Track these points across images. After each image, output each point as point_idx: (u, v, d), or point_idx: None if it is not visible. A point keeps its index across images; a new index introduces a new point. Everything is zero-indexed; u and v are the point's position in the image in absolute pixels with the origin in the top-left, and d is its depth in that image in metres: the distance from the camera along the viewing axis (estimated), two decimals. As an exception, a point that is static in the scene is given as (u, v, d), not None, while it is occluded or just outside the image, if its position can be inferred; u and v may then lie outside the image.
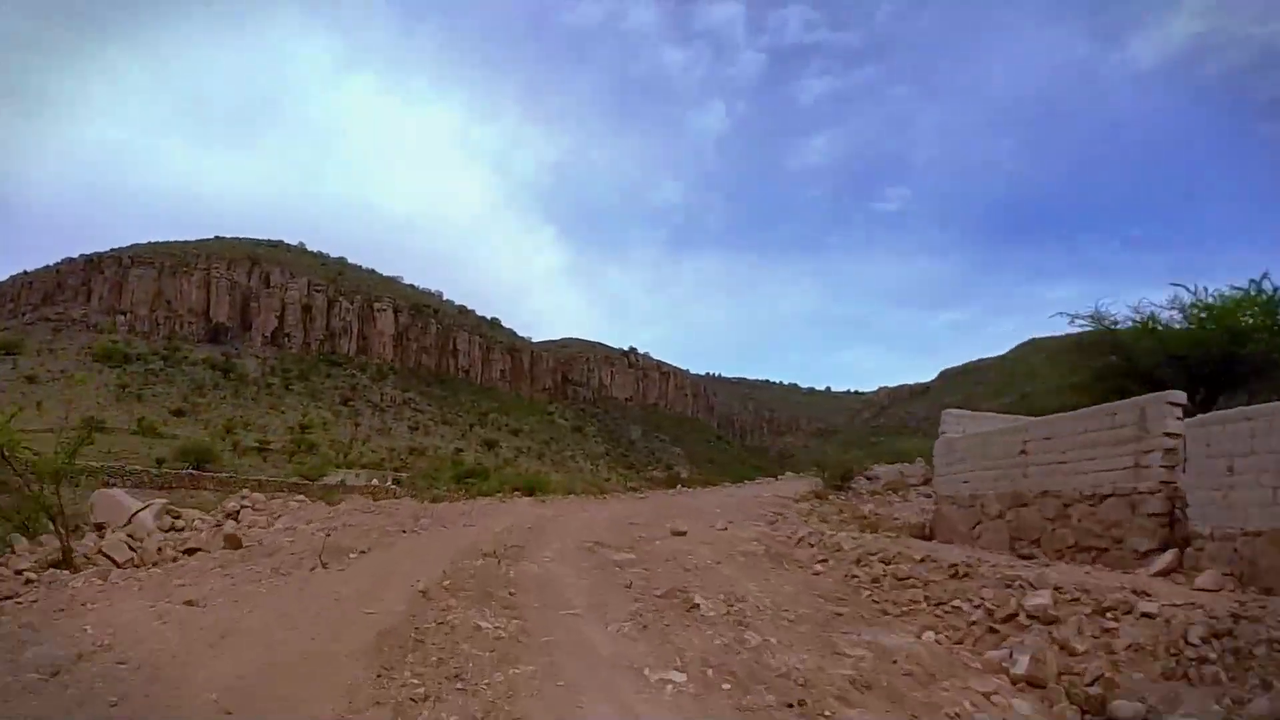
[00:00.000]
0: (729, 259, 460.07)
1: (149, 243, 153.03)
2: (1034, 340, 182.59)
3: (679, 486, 30.46)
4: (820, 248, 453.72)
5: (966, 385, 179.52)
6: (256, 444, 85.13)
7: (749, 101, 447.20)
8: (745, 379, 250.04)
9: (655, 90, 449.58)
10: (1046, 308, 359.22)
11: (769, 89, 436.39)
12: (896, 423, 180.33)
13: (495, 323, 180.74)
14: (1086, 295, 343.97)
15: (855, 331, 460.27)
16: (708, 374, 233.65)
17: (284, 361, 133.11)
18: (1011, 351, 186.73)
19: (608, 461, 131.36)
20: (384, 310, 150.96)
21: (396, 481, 53.41)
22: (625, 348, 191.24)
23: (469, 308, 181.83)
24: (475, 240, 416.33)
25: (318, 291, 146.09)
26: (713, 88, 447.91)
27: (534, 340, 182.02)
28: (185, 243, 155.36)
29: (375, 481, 53.98)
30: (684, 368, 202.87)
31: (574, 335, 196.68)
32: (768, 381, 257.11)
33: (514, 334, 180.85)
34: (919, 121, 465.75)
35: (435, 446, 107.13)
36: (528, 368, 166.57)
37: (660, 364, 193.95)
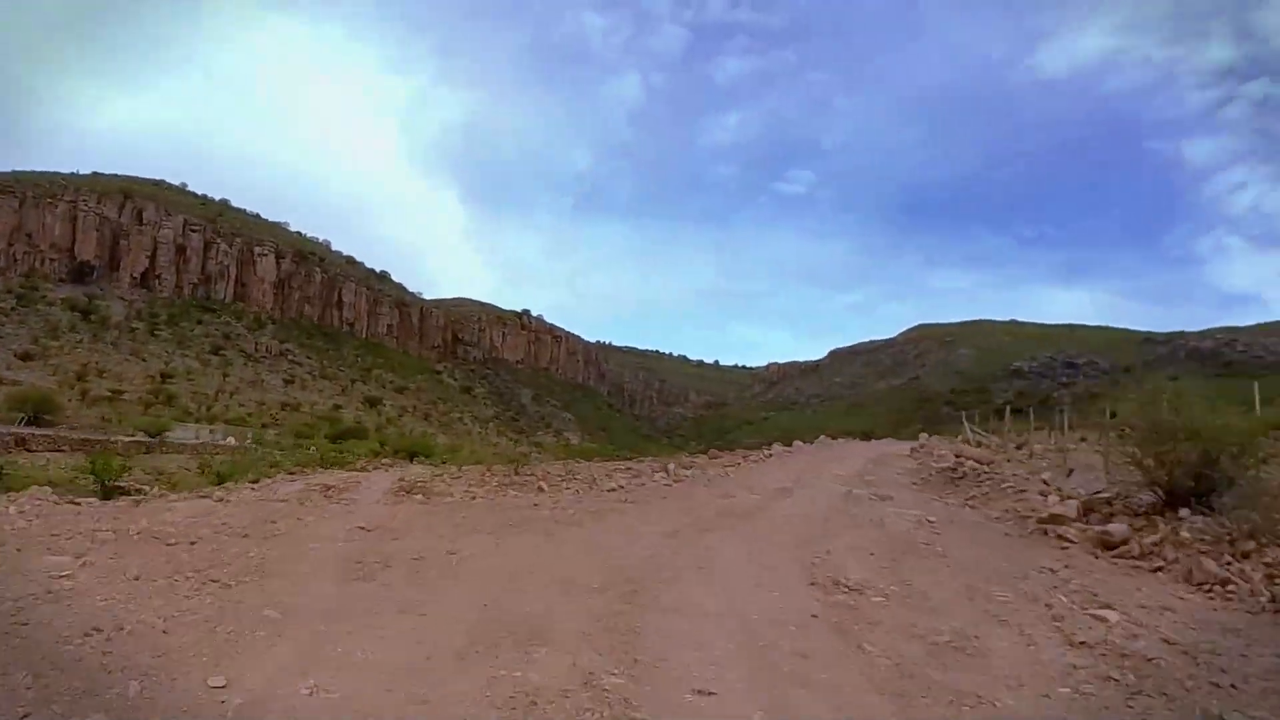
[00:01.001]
0: (632, 230, 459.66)
1: (11, 171, 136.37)
2: (922, 326, 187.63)
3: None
4: (724, 224, 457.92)
5: (856, 366, 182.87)
6: (109, 393, 76.16)
7: (666, 74, 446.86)
8: (636, 348, 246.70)
9: (573, 56, 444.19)
10: (938, 295, 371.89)
11: (687, 64, 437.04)
12: (785, 399, 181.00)
13: (384, 276, 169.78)
14: (977, 285, 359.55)
15: (750, 308, 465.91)
16: (599, 342, 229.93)
17: (153, 305, 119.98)
18: (901, 335, 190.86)
19: (497, 425, 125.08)
20: (265, 255, 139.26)
21: (256, 441, 45.66)
22: (519, 310, 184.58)
23: (357, 259, 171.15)
24: (373, 194, 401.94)
25: (194, 231, 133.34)
26: (631, 58, 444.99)
27: (425, 297, 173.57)
28: (55, 174, 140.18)
29: (217, 437, 46.58)
30: (577, 334, 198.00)
31: (467, 296, 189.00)
32: (658, 352, 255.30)
33: (404, 289, 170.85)
34: (832, 107, 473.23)
35: (312, 402, 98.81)
36: (417, 324, 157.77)
37: (553, 328, 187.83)
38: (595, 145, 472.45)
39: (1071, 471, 14.43)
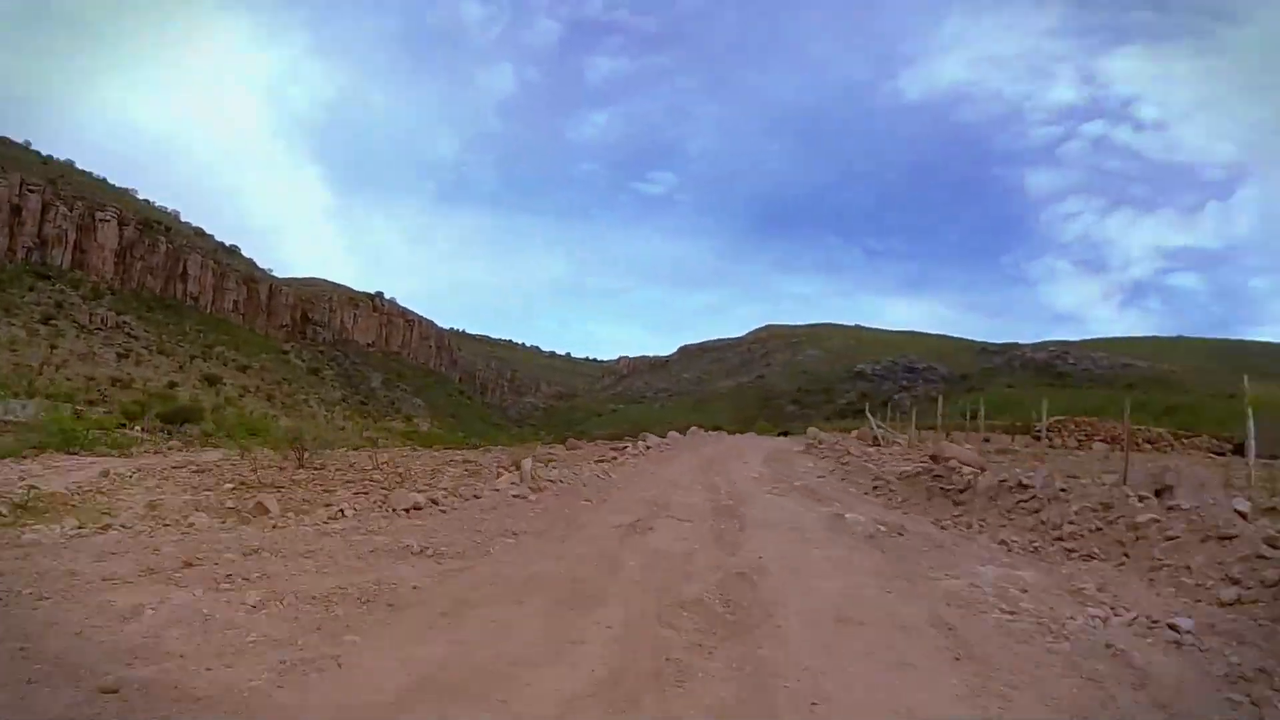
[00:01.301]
0: (493, 220, 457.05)
1: None
2: (770, 326, 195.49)
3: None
4: (585, 220, 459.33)
5: (704, 362, 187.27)
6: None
7: (538, 68, 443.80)
8: (489, 337, 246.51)
9: (448, 42, 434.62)
10: (788, 300, 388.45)
11: (561, 59, 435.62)
12: (635, 392, 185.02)
13: (234, 250, 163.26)
14: (825, 293, 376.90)
15: (605, 303, 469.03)
16: (454, 329, 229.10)
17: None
18: (749, 335, 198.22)
19: (344, 408, 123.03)
20: (107, 221, 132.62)
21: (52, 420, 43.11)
22: (372, 292, 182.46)
23: (207, 231, 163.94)
24: (229, 165, 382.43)
25: (32, 192, 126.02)
26: (506, 49, 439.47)
27: (276, 275, 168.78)
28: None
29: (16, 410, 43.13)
30: (431, 319, 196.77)
31: (321, 276, 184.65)
32: (511, 342, 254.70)
33: (254, 264, 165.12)
34: (698, 113, 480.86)
35: (146, 378, 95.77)
36: (265, 301, 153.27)
37: (406, 312, 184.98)
38: (463, 134, 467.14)
39: (1166, 488, 9.11)
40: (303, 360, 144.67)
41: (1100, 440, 31.38)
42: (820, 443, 26.55)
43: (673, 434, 28.20)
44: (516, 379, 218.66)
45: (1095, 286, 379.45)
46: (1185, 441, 31.81)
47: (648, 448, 21.22)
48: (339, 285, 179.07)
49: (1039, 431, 32.96)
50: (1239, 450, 22.13)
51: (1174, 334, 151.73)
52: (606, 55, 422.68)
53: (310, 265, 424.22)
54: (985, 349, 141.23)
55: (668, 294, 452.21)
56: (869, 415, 32.07)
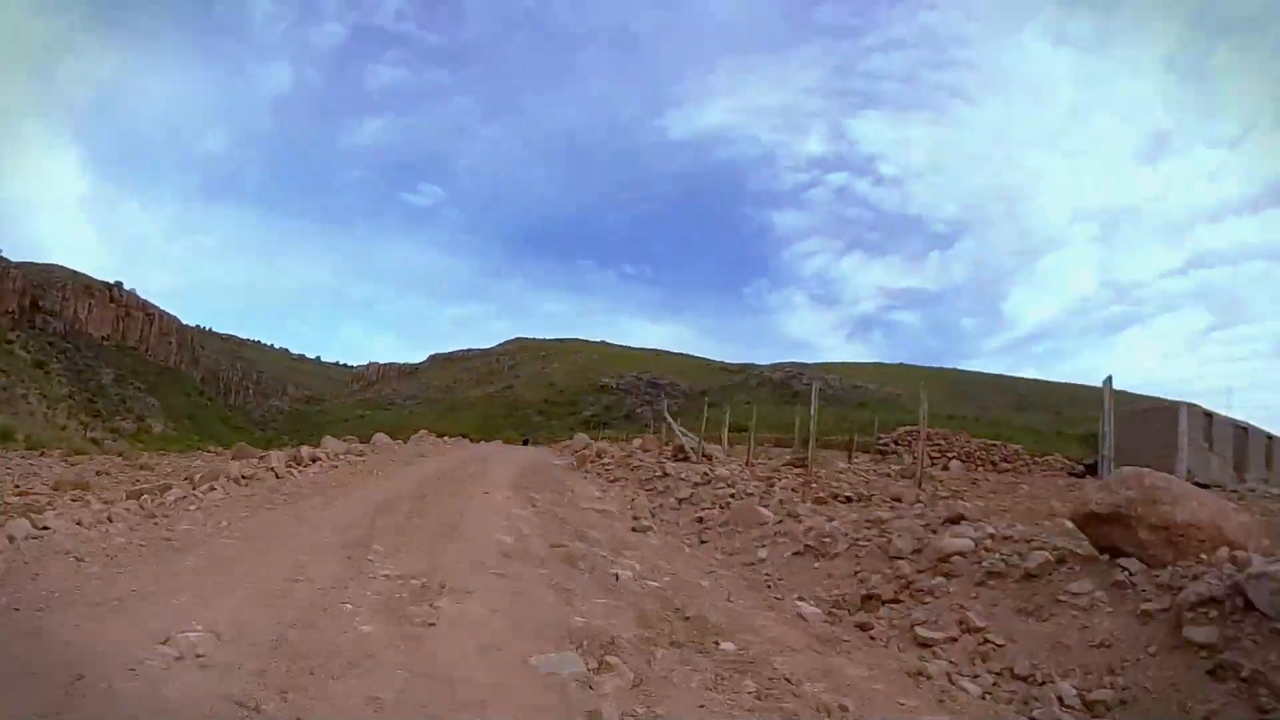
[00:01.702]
0: (257, 220, 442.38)
1: None
2: (519, 339, 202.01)
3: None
4: (349, 226, 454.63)
5: (454, 371, 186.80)
6: None
7: (319, 70, 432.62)
8: (236, 336, 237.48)
9: (233, 32, 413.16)
10: (542, 317, 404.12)
11: (342, 64, 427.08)
12: (384, 399, 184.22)
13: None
14: (578, 312, 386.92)
15: (363, 311, 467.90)
16: (199, 326, 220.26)
17: None
18: (499, 346, 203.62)
19: (70, 406, 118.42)
20: None
21: None
22: (110, 281, 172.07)
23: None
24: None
25: None
26: (288, 47, 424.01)
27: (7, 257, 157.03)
28: None
29: None
30: (174, 314, 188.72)
31: (61, 262, 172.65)
32: (259, 342, 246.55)
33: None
34: (472, 131, 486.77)
35: None
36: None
37: (146, 304, 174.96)
38: (234, 129, 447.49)
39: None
40: (28, 352, 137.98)
41: (954, 458, 30.02)
42: (599, 456, 23.55)
43: (381, 437, 24.74)
44: (263, 381, 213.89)
45: (827, 318, 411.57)
46: (1038, 461, 31.88)
47: (339, 456, 16.45)
48: (76, 272, 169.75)
49: (884, 446, 33.48)
50: (1091, 471, 23.71)
51: (896, 361, 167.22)
52: (388, 65, 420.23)
53: (54, 251, 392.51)
54: (724, 368, 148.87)
55: (424, 304, 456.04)
56: (668, 417, 27.40)
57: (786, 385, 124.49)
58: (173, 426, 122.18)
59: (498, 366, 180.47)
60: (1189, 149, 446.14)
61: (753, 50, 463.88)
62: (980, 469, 28.34)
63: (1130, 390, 34.60)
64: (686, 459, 20.78)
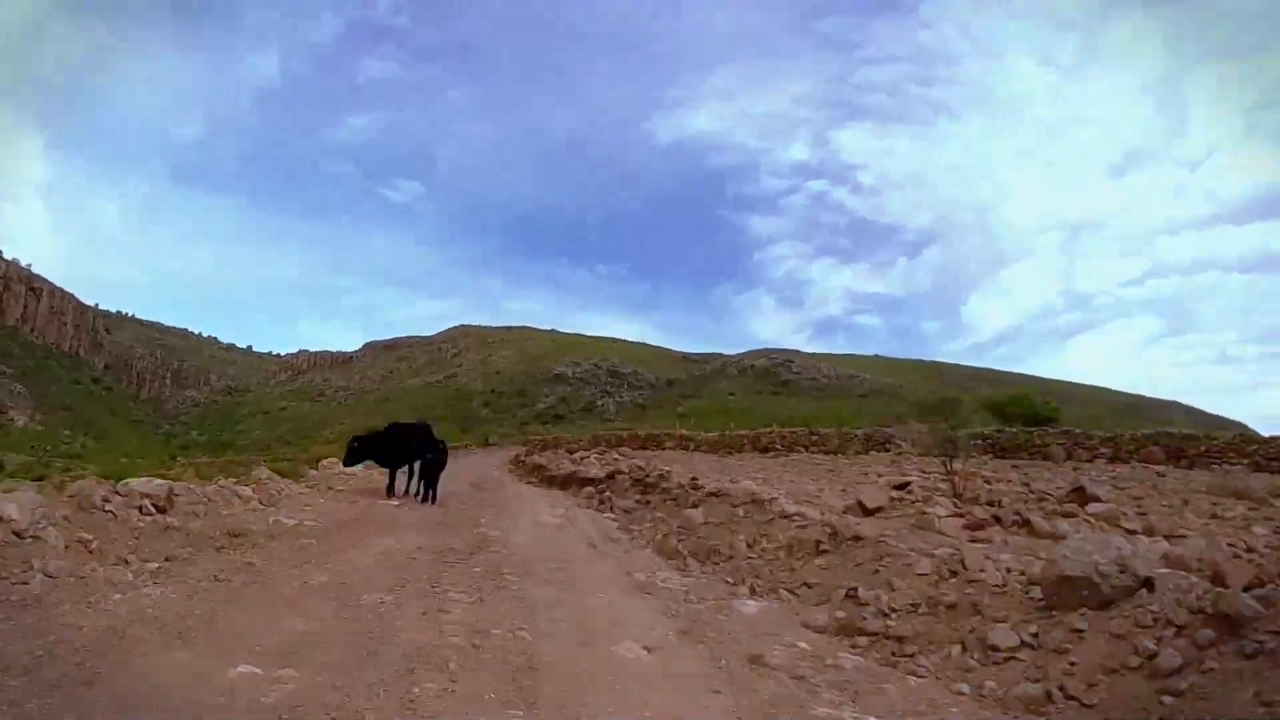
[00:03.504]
0: (227, 211, 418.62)
1: None
2: (462, 326, 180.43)
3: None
4: (325, 219, 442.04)
5: (391, 360, 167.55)
6: None
7: (307, 62, 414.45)
8: (162, 324, 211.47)
9: (218, 21, 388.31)
10: (515, 314, 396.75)
11: (333, 57, 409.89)
12: (313, 389, 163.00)
13: None
14: (550, 308, 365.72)
15: (327, 304, 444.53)
16: (120, 312, 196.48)
17: None
18: (440, 334, 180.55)
19: None
20: None
21: None
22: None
23: None
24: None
25: None
26: (279, 37, 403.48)
27: None
28: None
29: None
30: (73, 292, 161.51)
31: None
32: (186, 331, 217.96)
33: None
34: (459, 127, 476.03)
35: None
36: None
37: (34, 278, 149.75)
38: (213, 118, 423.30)
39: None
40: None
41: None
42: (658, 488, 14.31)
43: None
44: (182, 371, 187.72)
45: (791, 319, 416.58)
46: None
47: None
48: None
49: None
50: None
51: (870, 354, 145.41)
52: (379, 59, 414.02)
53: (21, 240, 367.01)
54: (688, 358, 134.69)
55: (392, 298, 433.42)
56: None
57: (771, 374, 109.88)
58: (42, 419, 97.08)
59: (439, 355, 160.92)
60: (1155, 166, 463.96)
61: (750, 58, 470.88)
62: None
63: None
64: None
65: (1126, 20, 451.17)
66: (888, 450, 25.74)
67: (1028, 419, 29.71)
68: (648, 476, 15.10)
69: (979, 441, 24.49)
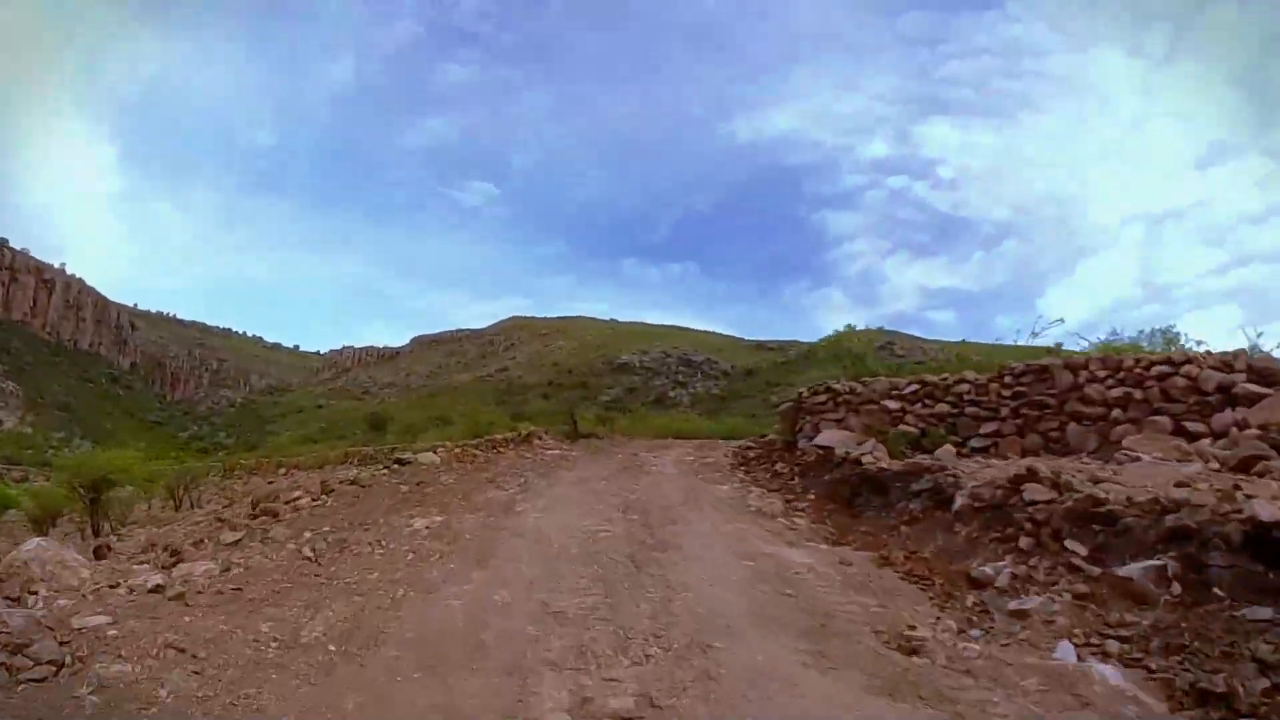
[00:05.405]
0: (293, 214, 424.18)
1: None
2: (515, 318, 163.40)
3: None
4: (394, 224, 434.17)
5: (439, 355, 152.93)
6: None
7: (384, 66, 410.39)
8: (203, 323, 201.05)
9: (296, 26, 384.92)
10: (578, 309, 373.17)
11: (410, 60, 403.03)
12: (357, 386, 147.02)
13: None
14: (617, 307, 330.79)
15: (388, 307, 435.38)
16: (159, 312, 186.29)
17: None
18: (492, 326, 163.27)
19: None
20: None
21: None
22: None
23: None
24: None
25: None
26: (356, 42, 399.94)
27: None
28: None
29: None
30: (95, 287, 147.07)
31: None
32: (229, 330, 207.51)
33: None
34: (535, 128, 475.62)
35: None
36: None
37: (43, 268, 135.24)
38: (285, 123, 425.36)
39: None
40: None
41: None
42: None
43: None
44: (221, 370, 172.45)
45: (861, 316, 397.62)
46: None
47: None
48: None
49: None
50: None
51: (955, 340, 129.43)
52: (458, 63, 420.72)
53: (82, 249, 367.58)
54: (762, 345, 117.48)
55: (451, 301, 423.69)
56: None
57: (866, 359, 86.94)
58: (34, 420, 79.56)
59: (490, 349, 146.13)
60: (1241, 158, 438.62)
61: (831, 57, 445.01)
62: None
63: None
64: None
65: (1219, 10, 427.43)
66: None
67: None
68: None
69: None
